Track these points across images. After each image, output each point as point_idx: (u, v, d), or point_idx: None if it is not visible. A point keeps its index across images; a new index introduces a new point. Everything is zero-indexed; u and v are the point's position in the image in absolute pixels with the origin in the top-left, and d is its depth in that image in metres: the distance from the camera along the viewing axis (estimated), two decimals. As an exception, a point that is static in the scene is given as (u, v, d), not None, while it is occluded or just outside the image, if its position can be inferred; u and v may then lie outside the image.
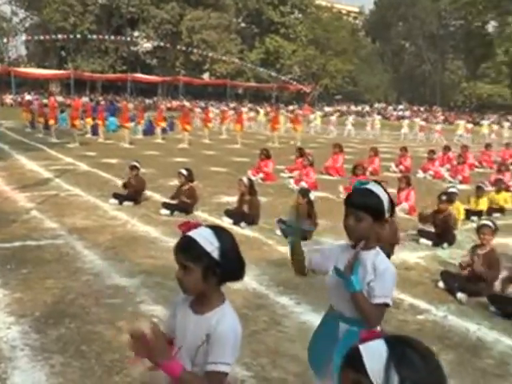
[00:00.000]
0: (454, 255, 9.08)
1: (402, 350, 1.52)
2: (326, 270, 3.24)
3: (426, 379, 1.49)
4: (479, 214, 11.87)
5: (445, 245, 9.58)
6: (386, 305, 3.02)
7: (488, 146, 23.80)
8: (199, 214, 11.21)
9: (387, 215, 3.05)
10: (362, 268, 3.04)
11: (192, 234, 2.44)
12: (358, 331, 2.96)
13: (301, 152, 17.02)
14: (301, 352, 5.41)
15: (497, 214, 12.15)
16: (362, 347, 1.54)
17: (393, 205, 3.11)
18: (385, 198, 3.04)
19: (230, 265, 2.46)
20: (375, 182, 3.18)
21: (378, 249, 3.13)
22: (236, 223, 10.35)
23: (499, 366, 5.43)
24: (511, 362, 5.51)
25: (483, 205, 12.26)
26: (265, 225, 10.54)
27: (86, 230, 9.65)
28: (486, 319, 6.53)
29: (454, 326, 6.22)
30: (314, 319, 6.17)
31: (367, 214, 2.98)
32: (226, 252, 2.43)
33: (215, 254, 2.40)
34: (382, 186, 3.11)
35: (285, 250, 9.00)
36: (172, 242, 9.07)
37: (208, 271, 2.41)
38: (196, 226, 2.50)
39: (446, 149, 20.97)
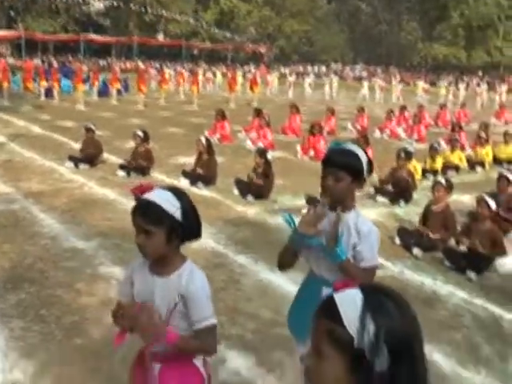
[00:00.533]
0: (411, 213, 9.20)
1: (378, 298, 1.49)
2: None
3: (402, 327, 1.46)
4: (435, 172, 12.01)
5: (401, 203, 9.69)
6: (375, 267, 2.99)
7: (443, 106, 24.05)
8: (156, 176, 11.10)
9: (366, 175, 2.98)
10: (345, 232, 2.95)
11: (151, 196, 2.37)
12: None
13: (258, 113, 16.94)
14: (258, 310, 5.45)
15: (452, 173, 12.33)
16: (336, 296, 1.49)
17: (371, 165, 3.03)
18: (364, 158, 2.97)
19: (191, 224, 2.44)
20: (353, 142, 3.13)
21: (357, 209, 3.06)
22: (193, 184, 10.28)
23: (453, 317, 5.55)
24: (464, 313, 5.63)
25: (438, 164, 12.42)
26: (222, 185, 10.50)
27: (42, 194, 9.47)
28: (440, 273, 6.64)
29: (411, 281, 6.31)
30: (272, 277, 6.21)
31: (347, 174, 2.91)
32: (187, 212, 2.40)
33: (178, 215, 2.37)
34: (361, 147, 3.05)
35: (241, 209, 9.00)
36: (129, 204, 8.93)
37: (172, 233, 2.37)
38: (150, 188, 2.43)
39: (403, 108, 21.12)
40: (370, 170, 3.02)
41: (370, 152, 12.08)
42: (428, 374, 1.50)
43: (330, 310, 1.46)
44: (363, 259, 2.94)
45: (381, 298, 1.49)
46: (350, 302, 1.46)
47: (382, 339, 1.41)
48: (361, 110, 20.02)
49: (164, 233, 2.36)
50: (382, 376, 1.40)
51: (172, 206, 2.36)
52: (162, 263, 2.47)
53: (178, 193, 2.45)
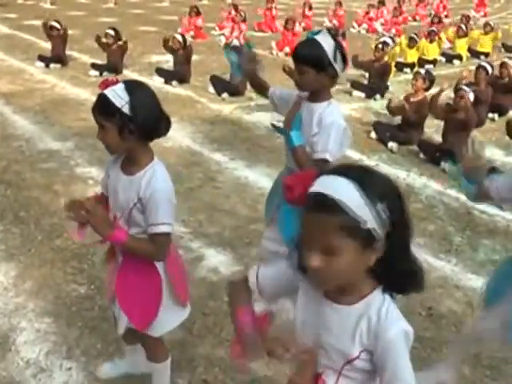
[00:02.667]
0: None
1: (364, 175, 1.46)
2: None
3: (397, 196, 1.50)
4: (411, 66, 11.92)
5: (377, 96, 9.64)
6: (325, 160, 2.86)
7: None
8: (129, 74, 10.85)
9: (336, 66, 2.87)
10: (307, 120, 2.91)
11: (106, 91, 2.30)
12: None
13: (234, 8, 16.49)
14: (236, 206, 5.50)
15: (429, 66, 12.21)
16: (329, 189, 1.41)
17: (343, 55, 2.90)
18: (329, 47, 2.85)
19: (145, 119, 2.30)
20: (327, 30, 3.01)
21: (331, 101, 2.97)
22: (167, 82, 10.10)
23: (426, 209, 5.66)
24: (438, 205, 5.74)
25: (414, 55, 12.31)
26: (197, 83, 10.34)
27: (14, 95, 9.25)
28: (415, 166, 6.72)
29: (385, 174, 6.33)
30: (248, 174, 6.23)
31: (308, 67, 2.84)
32: (137, 106, 2.27)
33: (125, 109, 2.26)
34: (332, 35, 2.93)
35: (217, 107, 8.91)
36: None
37: (123, 128, 2.28)
38: (114, 83, 2.34)
39: (380, 3, 20.62)
40: (344, 59, 2.92)
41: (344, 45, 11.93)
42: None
43: (325, 203, 1.39)
44: (316, 150, 2.88)
45: (367, 175, 1.48)
46: (345, 189, 1.41)
47: (387, 211, 1.43)
48: (338, 4, 19.56)
49: (115, 128, 2.28)
50: (382, 244, 1.45)
51: (120, 99, 2.27)
52: (129, 161, 2.44)
53: (131, 86, 2.33)
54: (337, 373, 1.61)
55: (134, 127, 2.28)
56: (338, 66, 2.89)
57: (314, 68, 2.85)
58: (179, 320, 2.72)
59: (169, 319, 2.64)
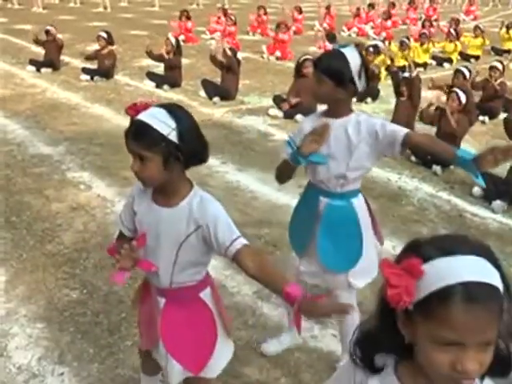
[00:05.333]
0: (378, 110, 9.22)
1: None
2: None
3: None
4: (402, 69, 11.93)
5: (368, 99, 9.67)
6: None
7: (411, 1, 23.65)
8: (120, 78, 10.86)
9: (358, 83, 2.78)
10: (343, 135, 2.79)
11: (143, 117, 2.07)
12: (339, 205, 2.91)
13: (224, 12, 16.52)
14: (227, 210, 5.39)
15: (419, 69, 12.25)
16: (486, 277, 1.23)
17: (367, 73, 2.82)
18: (355, 64, 2.76)
19: (192, 146, 2.11)
20: (356, 45, 2.96)
21: (357, 113, 2.87)
22: (158, 86, 10.11)
23: (418, 212, 5.67)
24: (429, 207, 5.76)
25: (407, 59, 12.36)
26: (188, 87, 10.34)
27: (4, 100, 9.23)
28: (407, 169, 6.74)
29: (377, 177, 6.36)
30: (240, 178, 6.23)
31: (328, 78, 2.75)
32: (184, 132, 2.08)
33: (173, 137, 2.05)
34: (359, 50, 2.85)
35: (208, 111, 8.91)
36: (93, 107, 8.85)
37: (169, 157, 2.06)
38: (146, 106, 2.12)
39: (370, 6, 20.72)
40: (367, 78, 2.83)
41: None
42: None
43: (488, 294, 1.21)
44: (397, 130, 2.74)
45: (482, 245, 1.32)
46: (492, 272, 1.25)
47: None
48: (327, 8, 19.60)
49: (160, 158, 2.06)
50: None
51: (167, 127, 2.05)
52: (166, 192, 2.20)
53: (174, 111, 2.11)
54: None
55: (181, 155, 2.09)
56: (360, 83, 2.80)
57: (332, 80, 2.76)
58: (231, 351, 2.54)
59: (223, 354, 2.46)
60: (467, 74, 8.46)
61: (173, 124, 2.05)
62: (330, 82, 2.76)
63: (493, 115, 8.99)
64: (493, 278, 1.23)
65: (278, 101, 8.75)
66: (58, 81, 10.69)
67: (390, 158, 7.01)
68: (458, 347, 1.21)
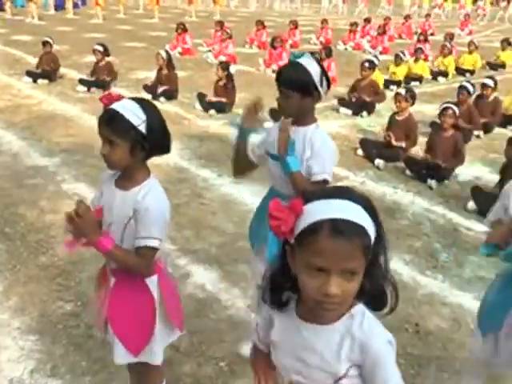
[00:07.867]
0: (373, 123, 9.24)
1: (362, 197, 1.52)
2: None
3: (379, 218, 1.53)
4: (398, 83, 12.01)
5: (364, 113, 9.70)
6: (325, 181, 2.85)
7: (407, 17, 23.85)
8: (117, 91, 10.84)
9: (321, 90, 2.87)
10: (299, 145, 2.86)
11: (117, 107, 2.31)
12: None
13: (220, 25, 16.59)
14: (222, 223, 5.48)
15: (415, 83, 12.33)
16: (349, 215, 1.44)
17: (327, 78, 2.90)
18: (315, 71, 2.84)
19: (157, 138, 2.37)
20: (311, 53, 2.98)
21: (317, 124, 2.96)
22: (155, 98, 10.11)
23: (413, 226, 5.67)
24: (424, 221, 5.76)
25: (401, 73, 12.42)
26: (184, 99, 10.35)
27: (1, 110, 9.25)
28: (402, 182, 6.75)
29: (372, 191, 6.37)
30: (235, 191, 6.23)
31: (294, 92, 2.82)
32: (152, 125, 2.33)
33: (142, 128, 2.30)
34: (316, 58, 2.92)
35: (204, 123, 8.93)
36: (90, 119, 8.82)
37: (136, 146, 2.31)
38: (118, 98, 2.36)
39: (367, 21, 20.83)
40: (328, 83, 2.92)
41: (333, 65, 12.02)
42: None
43: (350, 230, 1.43)
44: (314, 173, 2.85)
45: (361, 196, 1.52)
46: (360, 213, 1.46)
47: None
48: (324, 22, 19.71)
49: (128, 145, 2.30)
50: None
51: (137, 119, 2.29)
52: (126, 176, 2.43)
53: (145, 105, 2.36)
54: None
55: (146, 146, 2.33)
56: (323, 89, 2.89)
57: (299, 92, 2.83)
58: (171, 339, 2.68)
59: (163, 341, 2.60)
60: (471, 89, 8.51)
61: (143, 117, 2.31)
62: (296, 94, 2.84)
63: (488, 130, 9.04)
64: (360, 219, 1.45)
65: (274, 114, 8.75)
66: (55, 92, 10.71)
67: (385, 172, 7.05)
68: (325, 273, 1.43)
